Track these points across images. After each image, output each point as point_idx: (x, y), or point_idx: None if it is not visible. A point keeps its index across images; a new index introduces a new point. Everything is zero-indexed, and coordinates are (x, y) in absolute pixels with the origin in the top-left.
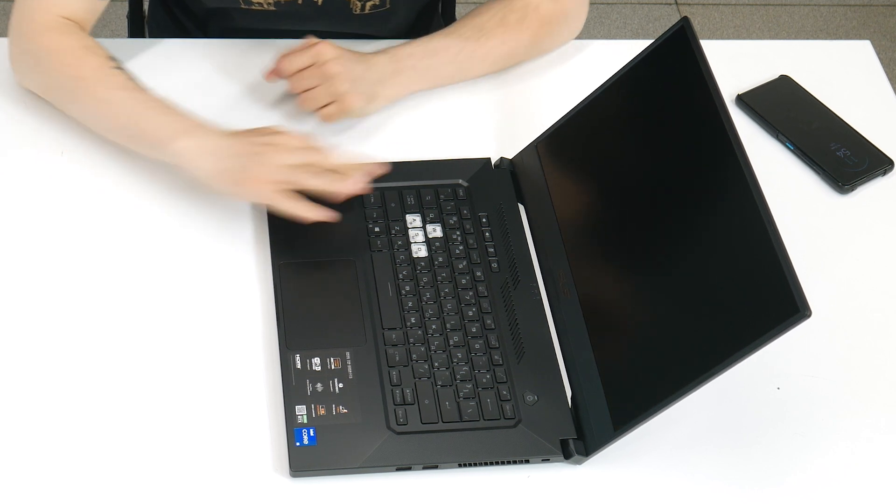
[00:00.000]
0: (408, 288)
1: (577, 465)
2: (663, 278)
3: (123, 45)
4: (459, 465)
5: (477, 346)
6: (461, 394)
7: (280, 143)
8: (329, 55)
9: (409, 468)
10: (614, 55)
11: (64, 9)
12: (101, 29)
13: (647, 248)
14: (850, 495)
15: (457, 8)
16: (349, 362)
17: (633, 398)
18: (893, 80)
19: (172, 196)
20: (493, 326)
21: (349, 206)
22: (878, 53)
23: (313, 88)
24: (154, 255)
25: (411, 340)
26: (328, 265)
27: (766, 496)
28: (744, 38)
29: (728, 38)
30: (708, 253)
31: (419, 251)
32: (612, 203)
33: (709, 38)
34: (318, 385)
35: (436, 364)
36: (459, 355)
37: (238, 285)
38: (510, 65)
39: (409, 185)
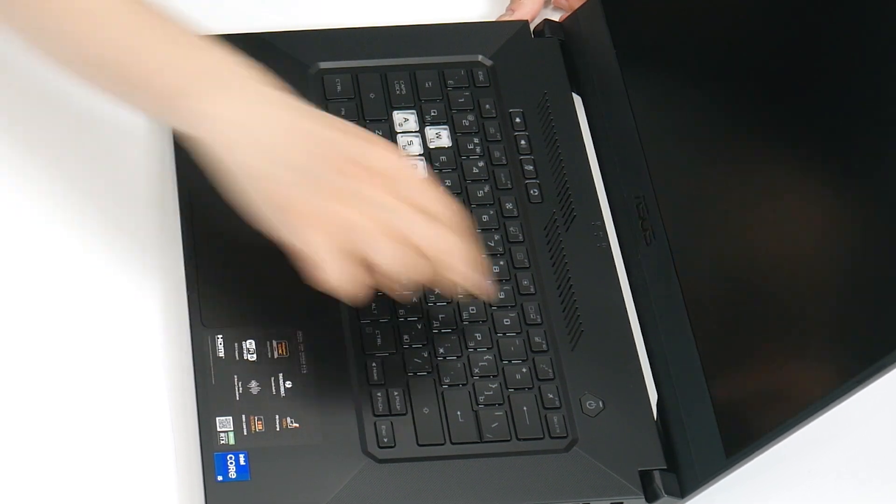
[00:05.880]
0: None
1: None
2: (816, 227)
3: None
4: None
5: (507, 321)
6: (481, 398)
7: (387, 168)
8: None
9: None
10: None
11: None
12: None
13: (789, 175)
14: None
15: None
16: (302, 348)
17: (756, 409)
18: None
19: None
20: (532, 290)
21: (299, 95)
22: None
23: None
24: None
25: (402, 313)
26: None
27: None
28: None
29: None
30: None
31: (414, 168)
32: (729, 95)
33: None
34: (253, 384)
35: (441, 351)
36: (479, 337)
37: (122, 223)
38: None
39: (398, 63)
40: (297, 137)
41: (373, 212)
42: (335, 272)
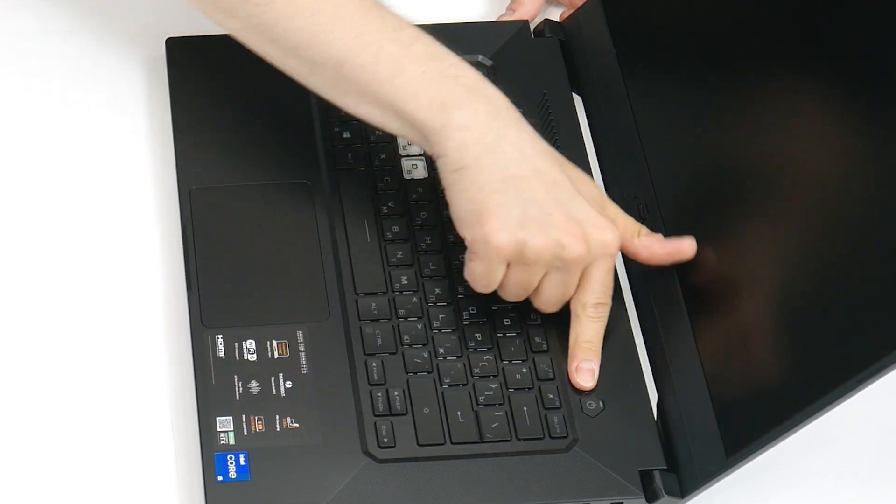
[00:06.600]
0: (397, 229)
1: None
2: (815, 223)
3: None
4: None
5: (507, 321)
6: (482, 398)
7: (602, 233)
8: None
9: None
10: None
11: None
12: None
13: (790, 175)
14: None
15: None
16: (302, 348)
17: (756, 410)
18: None
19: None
20: None
21: (299, 99)
22: None
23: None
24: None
25: (402, 313)
26: (268, 193)
27: None
28: None
29: None
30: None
31: (414, 169)
32: (730, 95)
33: None
34: (253, 384)
35: (441, 351)
36: (479, 337)
37: (123, 223)
38: None
39: None
40: (523, 165)
41: (549, 259)
42: (485, 279)
